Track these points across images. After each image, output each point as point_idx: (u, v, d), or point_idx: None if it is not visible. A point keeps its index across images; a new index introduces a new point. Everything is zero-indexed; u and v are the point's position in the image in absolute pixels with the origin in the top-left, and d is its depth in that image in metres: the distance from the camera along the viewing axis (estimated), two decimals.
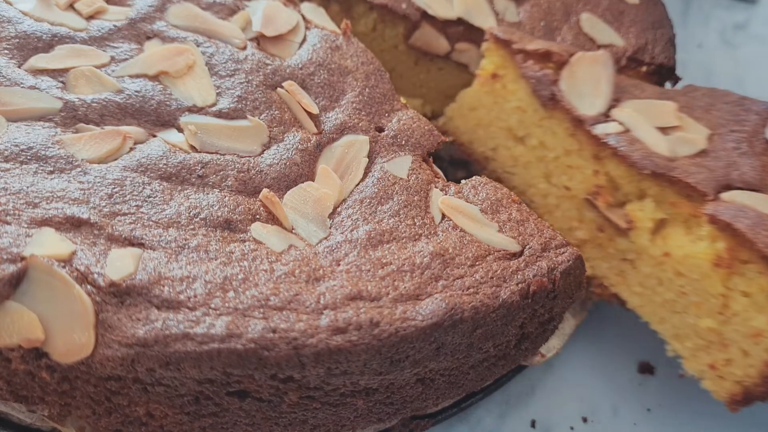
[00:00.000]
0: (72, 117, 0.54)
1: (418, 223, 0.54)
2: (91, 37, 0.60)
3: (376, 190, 0.55)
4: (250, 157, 0.55)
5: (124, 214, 0.49)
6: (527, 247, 0.53)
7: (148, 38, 0.61)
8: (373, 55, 0.66)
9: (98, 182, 0.50)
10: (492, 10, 0.77)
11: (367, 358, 0.46)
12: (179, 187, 0.52)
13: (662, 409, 0.67)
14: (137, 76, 0.58)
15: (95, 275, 0.45)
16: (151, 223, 0.49)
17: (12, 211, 0.47)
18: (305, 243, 0.51)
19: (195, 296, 0.45)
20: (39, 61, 0.57)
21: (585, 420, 0.66)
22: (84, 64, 0.57)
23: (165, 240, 0.48)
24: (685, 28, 1.11)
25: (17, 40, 0.58)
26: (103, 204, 0.49)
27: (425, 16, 0.76)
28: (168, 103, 0.57)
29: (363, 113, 0.61)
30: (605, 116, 0.64)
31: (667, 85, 0.80)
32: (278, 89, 0.61)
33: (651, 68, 0.76)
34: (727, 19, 1.14)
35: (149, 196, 0.51)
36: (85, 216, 0.48)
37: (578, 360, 0.70)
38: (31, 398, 0.47)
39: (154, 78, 0.58)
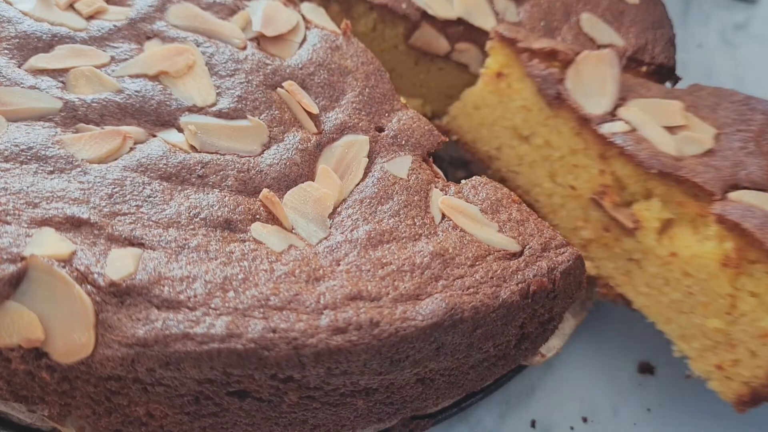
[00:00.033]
0: (72, 117, 0.54)
1: (418, 223, 0.54)
2: (91, 37, 0.60)
3: (376, 190, 0.55)
4: (250, 157, 0.55)
5: (124, 214, 0.49)
6: (527, 247, 0.53)
7: (148, 38, 0.61)
8: (373, 55, 0.66)
9: (98, 182, 0.50)
10: (492, 10, 0.77)
11: (367, 358, 0.46)
12: (179, 187, 0.52)
13: (662, 409, 0.67)
14: (137, 76, 0.58)
15: (95, 275, 0.45)
16: (151, 223, 0.49)
17: (12, 211, 0.47)
18: (305, 243, 0.51)
19: (195, 296, 0.45)
20: (39, 61, 0.57)
21: (585, 420, 0.66)
22: (84, 64, 0.57)
23: (165, 240, 0.48)
24: (685, 28, 1.11)
25: (17, 40, 0.58)
26: (103, 204, 0.49)
27: (425, 16, 0.76)
28: (168, 103, 0.57)
29: (363, 113, 0.61)
30: (611, 115, 0.63)
31: (667, 85, 0.80)
32: (278, 89, 0.61)
33: (651, 68, 0.76)
34: (727, 19, 1.14)
35: (149, 196, 0.51)
36: (85, 216, 0.48)
37: (578, 360, 0.70)
38: (31, 398, 0.47)
39: (154, 78, 0.58)
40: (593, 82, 0.65)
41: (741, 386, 0.58)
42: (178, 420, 0.48)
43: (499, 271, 0.51)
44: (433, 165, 0.60)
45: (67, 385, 0.46)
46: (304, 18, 0.68)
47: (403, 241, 0.52)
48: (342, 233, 0.52)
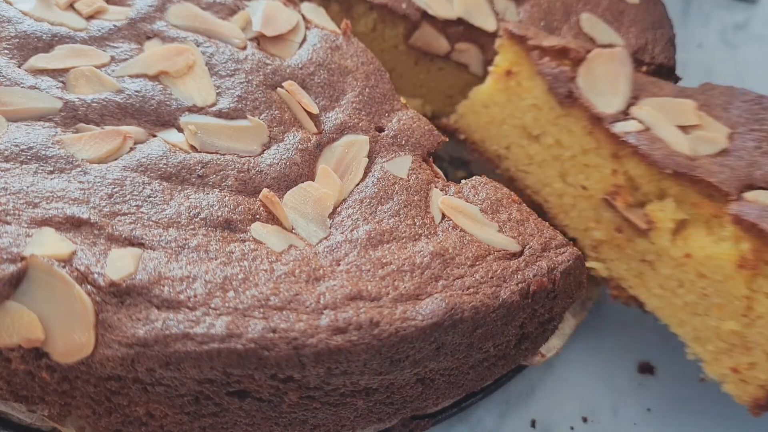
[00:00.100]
0: (72, 117, 0.54)
1: (418, 223, 0.54)
2: (91, 37, 0.60)
3: (376, 190, 0.55)
4: (250, 157, 0.55)
5: (124, 214, 0.49)
6: (527, 246, 0.53)
7: (148, 38, 0.61)
8: (373, 55, 0.66)
9: (98, 182, 0.50)
10: (492, 10, 0.77)
11: (367, 358, 0.46)
12: (179, 187, 0.52)
13: (662, 409, 0.67)
14: (137, 76, 0.58)
15: (95, 275, 0.45)
16: (151, 223, 0.49)
17: (12, 211, 0.47)
18: (305, 243, 0.51)
19: (195, 296, 0.45)
20: (39, 61, 0.57)
21: (585, 420, 0.66)
22: (84, 64, 0.57)
23: (165, 240, 0.48)
24: (685, 28, 1.11)
25: (17, 40, 0.58)
26: (103, 204, 0.49)
27: (425, 16, 0.76)
28: (168, 103, 0.57)
29: (363, 113, 0.61)
30: (624, 114, 0.63)
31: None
32: (278, 89, 0.61)
33: (651, 68, 0.76)
34: (727, 19, 1.14)
35: (149, 196, 0.51)
36: (85, 216, 0.48)
37: (578, 360, 0.70)
38: (31, 398, 0.47)
39: (154, 78, 0.58)
40: (605, 81, 0.64)
41: (757, 389, 0.57)
42: (178, 420, 0.48)
43: (499, 271, 0.51)
44: (433, 165, 0.60)
45: (67, 385, 0.46)
46: (304, 18, 0.68)
47: (403, 241, 0.52)
48: (342, 233, 0.52)
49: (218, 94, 0.59)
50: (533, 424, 0.65)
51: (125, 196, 0.50)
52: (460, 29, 0.77)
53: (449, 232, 0.53)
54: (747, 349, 0.57)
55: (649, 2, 0.83)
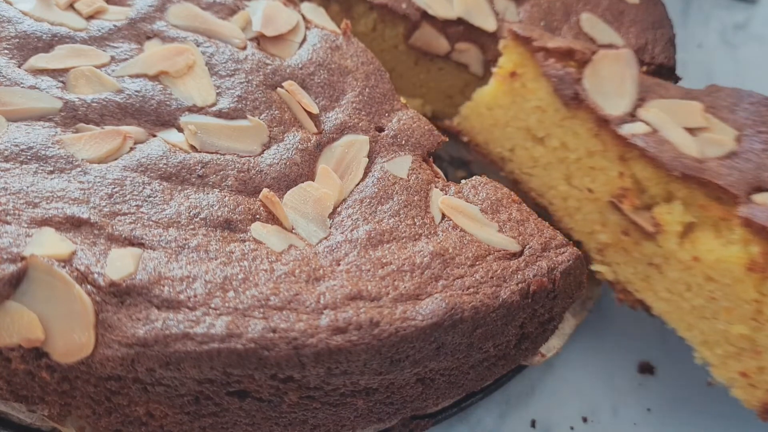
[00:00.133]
0: (72, 117, 0.54)
1: (418, 223, 0.54)
2: (91, 37, 0.60)
3: (376, 189, 0.55)
4: (250, 157, 0.55)
5: (124, 214, 0.49)
6: (527, 246, 0.53)
7: (148, 38, 0.61)
8: (373, 55, 0.66)
9: (98, 182, 0.50)
10: (492, 10, 0.77)
11: (367, 358, 0.46)
12: (179, 187, 0.52)
13: (662, 409, 0.67)
14: (137, 76, 0.58)
15: (95, 275, 0.45)
16: (151, 223, 0.49)
17: (12, 211, 0.47)
18: (305, 243, 0.51)
19: (195, 296, 0.45)
20: (39, 61, 0.57)
21: (585, 420, 0.66)
22: (84, 64, 0.57)
23: (165, 240, 0.48)
24: (685, 28, 1.11)
25: (17, 40, 0.58)
26: (103, 204, 0.49)
27: (425, 16, 0.76)
28: (168, 103, 0.57)
29: (363, 113, 0.61)
30: (631, 116, 0.62)
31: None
32: (278, 89, 0.61)
33: (651, 68, 0.76)
34: (727, 19, 1.14)
35: (149, 196, 0.51)
36: (85, 216, 0.48)
37: (578, 360, 0.70)
38: (31, 398, 0.47)
39: (154, 78, 0.58)
40: (611, 82, 0.64)
41: (766, 394, 0.56)
42: (178, 420, 0.48)
43: (499, 271, 0.51)
44: (433, 165, 0.60)
45: (67, 385, 0.46)
46: (304, 18, 0.68)
47: (403, 241, 0.52)
48: (342, 233, 0.52)
49: (218, 94, 0.59)
50: (533, 424, 0.65)
51: (125, 196, 0.50)
52: (460, 29, 0.77)
53: (449, 232, 0.53)
54: (756, 353, 0.56)
55: (649, 2, 0.83)
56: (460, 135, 0.75)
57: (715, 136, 0.60)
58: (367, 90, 0.63)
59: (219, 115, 0.57)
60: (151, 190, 0.51)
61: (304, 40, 0.66)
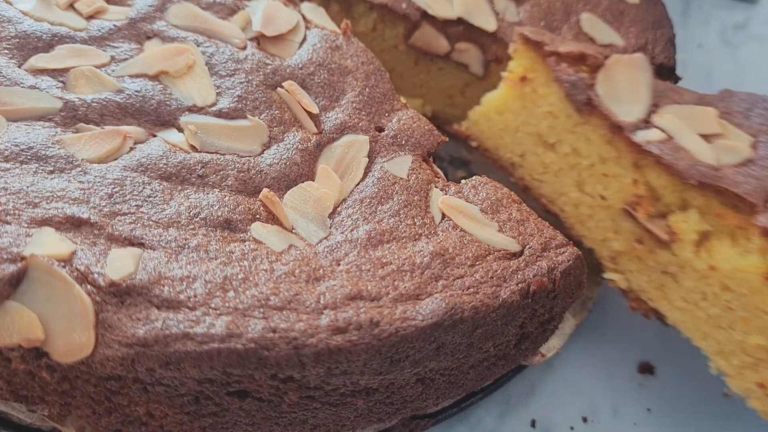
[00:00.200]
0: (72, 117, 0.54)
1: (418, 223, 0.54)
2: (91, 37, 0.60)
3: (376, 189, 0.55)
4: (250, 156, 0.55)
5: (124, 214, 0.49)
6: (527, 246, 0.53)
7: (148, 38, 0.61)
8: (373, 55, 0.66)
9: (98, 182, 0.50)
10: (492, 10, 0.77)
11: (367, 358, 0.46)
12: (179, 187, 0.52)
13: (662, 409, 0.67)
14: (137, 75, 0.58)
15: (95, 275, 0.45)
16: (151, 222, 0.49)
17: (12, 211, 0.47)
18: (305, 243, 0.51)
19: (195, 296, 0.45)
20: (39, 60, 0.57)
21: (585, 420, 0.66)
22: (84, 64, 0.57)
23: (165, 240, 0.48)
24: (685, 28, 1.11)
25: (17, 40, 0.58)
26: (103, 204, 0.49)
27: (425, 16, 0.76)
28: (168, 102, 0.57)
29: (363, 113, 0.61)
30: (645, 122, 0.61)
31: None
32: (278, 89, 0.61)
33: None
34: (727, 19, 1.14)
35: (149, 196, 0.51)
36: (85, 216, 0.48)
37: (578, 360, 0.70)
38: (31, 398, 0.47)
39: (154, 78, 0.58)
40: (625, 88, 0.63)
41: None
42: (178, 420, 0.48)
43: (499, 271, 0.51)
44: (433, 165, 0.60)
45: (67, 384, 0.46)
46: (304, 18, 0.68)
47: (403, 240, 0.52)
48: (342, 233, 0.52)
49: (218, 94, 0.59)
50: (533, 424, 0.65)
51: (125, 196, 0.50)
52: (460, 29, 0.77)
53: (449, 232, 0.53)
54: None
55: (649, 2, 0.83)
56: (469, 140, 0.74)
57: (731, 143, 0.59)
58: (367, 90, 0.63)
59: (219, 115, 0.57)
60: (151, 190, 0.51)
61: (304, 40, 0.66)
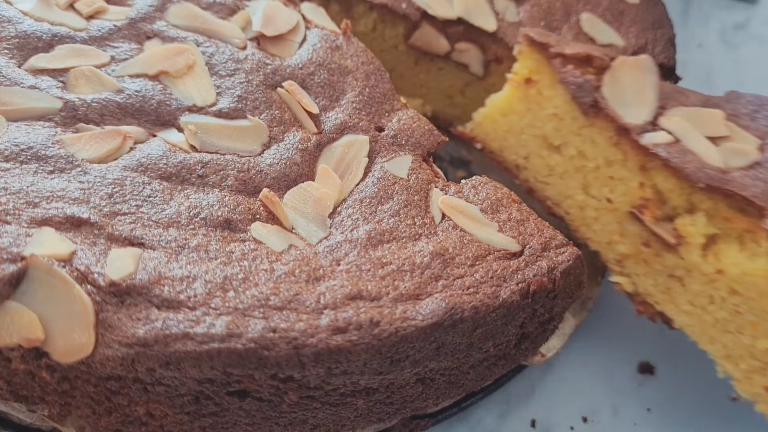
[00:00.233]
0: (72, 117, 0.54)
1: (418, 223, 0.54)
2: (91, 37, 0.60)
3: (376, 189, 0.55)
4: (250, 156, 0.55)
5: (124, 214, 0.49)
6: (527, 246, 0.53)
7: (148, 38, 0.61)
8: (373, 55, 0.66)
9: (98, 182, 0.50)
10: (492, 10, 0.77)
11: (367, 358, 0.46)
12: (179, 187, 0.52)
13: (662, 409, 0.67)
14: (137, 75, 0.58)
15: (95, 275, 0.45)
16: (151, 222, 0.49)
17: (12, 211, 0.47)
18: (305, 243, 0.51)
19: (195, 296, 0.45)
20: (39, 60, 0.57)
21: (585, 420, 0.66)
22: (84, 64, 0.57)
23: (165, 240, 0.48)
24: (685, 28, 1.11)
25: (17, 40, 0.58)
26: (103, 204, 0.49)
27: (425, 16, 0.76)
28: (168, 102, 0.57)
29: (363, 113, 0.61)
30: (652, 125, 0.60)
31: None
32: (278, 89, 0.61)
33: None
34: (727, 19, 1.14)
35: (149, 196, 0.51)
36: (85, 216, 0.48)
37: (578, 360, 0.70)
38: (31, 398, 0.47)
39: (154, 78, 0.58)
40: (632, 90, 0.62)
41: None
42: (178, 420, 0.48)
43: (499, 271, 0.51)
44: (433, 165, 0.60)
45: (67, 384, 0.46)
46: (304, 18, 0.68)
47: (403, 240, 0.52)
48: (342, 233, 0.52)
49: (218, 93, 0.59)
50: (533, 424, 0.65)
51: (125, 196, 0.50)
52: (460, 29, 0.77)
53: (449, 232, 0.53)
54: None
55: (649, 2, 0.83)
56: (474, 141, 0.74)
57: (738, 146, 0.59)
58: (367, 90, 0.63)
59: (219, 115, 0.57)
60: (151, 190, 0.51)
61: (304, 40, 0.66)
